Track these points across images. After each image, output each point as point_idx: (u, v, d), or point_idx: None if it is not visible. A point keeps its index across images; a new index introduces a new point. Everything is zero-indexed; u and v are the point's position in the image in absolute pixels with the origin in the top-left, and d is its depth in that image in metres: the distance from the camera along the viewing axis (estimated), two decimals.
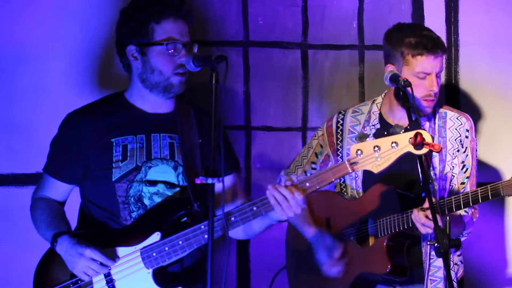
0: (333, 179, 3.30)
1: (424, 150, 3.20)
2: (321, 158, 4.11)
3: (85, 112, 3.58)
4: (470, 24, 4.67)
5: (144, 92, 3.54)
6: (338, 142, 4.06)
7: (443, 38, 4.63)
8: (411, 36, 3.83)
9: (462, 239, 3.90)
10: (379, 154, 3.21)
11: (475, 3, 4.66)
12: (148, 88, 3.52)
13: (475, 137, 3.95)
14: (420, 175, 3.67)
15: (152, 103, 3.55)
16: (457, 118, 3.94)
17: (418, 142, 3.18)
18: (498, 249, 4.65)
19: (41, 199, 3.62)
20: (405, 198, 3.82)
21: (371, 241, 3.89)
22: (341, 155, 4.05)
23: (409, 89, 3.58)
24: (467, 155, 3.91)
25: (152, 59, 3.48)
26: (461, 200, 3.66)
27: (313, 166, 4.12)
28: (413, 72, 3.81)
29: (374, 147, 3.22)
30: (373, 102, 4.06)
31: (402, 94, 3.59)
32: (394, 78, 3.67)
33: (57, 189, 3.61)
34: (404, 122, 3.85)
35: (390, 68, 3.84)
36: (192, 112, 3.62)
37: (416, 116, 3.54)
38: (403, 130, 3.80)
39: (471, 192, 3.65)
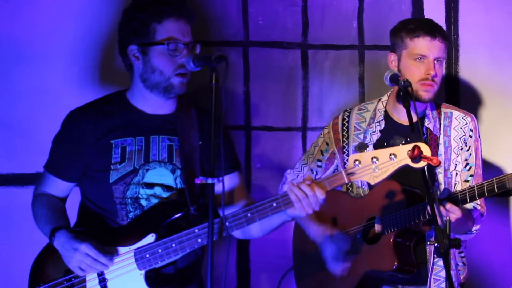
0: (329, 188, 3.28)
1: (422, 163, 3.16)
2: (326, 156, 4.12)
3: (86, 111, 3.57)
4: (470, 24, 4.66)
5: (145, 93, 3.53)
6: (344, 139, 4.07)
7: None
8: (412, 23, 3.92)
9: (471, 236, 3.91)
10: (376, 166, 3.19)
11: (475, 3, 4.66)
12: (149, 88, 3.51)
13: (479, 137, 3.96)
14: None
15: (153, 104, 3.54)
16: (462, 118, 3.96)
17: (416, 156, 3.14)
18: (502, 250, 4.65)
19: (42, 194, 3.62)
20: (411, 194, 3.82)
21: (378, 238, 3.88)
22: (347, 152, 4.05)
23: (409, 89, 3.60)
24: (470, 154, 3.92)
25: (153, 59, 3.47)
26: (467, 193, 3.66)
27: (319, 163, 4.13)
28: (411, 55, 3.86)
29: (372, 158, 3.19)
30: (379, 100, 4.09)
31: (402, 94, 3.60)
32: (394, 78, 3.68)
33: (57, 186, 3.61)
34: (406, 119, 3.84)
35: (392, 58, 3.93)
36: (194, 113, 3.61)
37: (416, 116, 3.54)
38: (403, 142, 3.82)
39: (476, 186, 3.66)
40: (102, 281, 3.41)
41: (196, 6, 4.56)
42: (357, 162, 3.21)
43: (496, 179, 3.63)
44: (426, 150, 3.16)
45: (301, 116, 4.69)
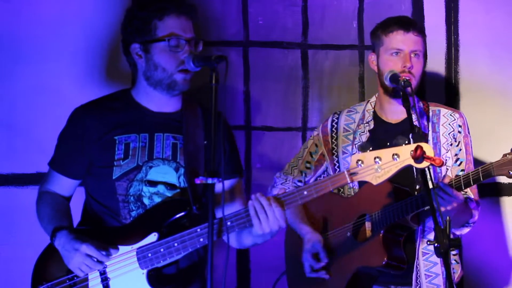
0: (331, 188, 3.26)
1: (425, 163, 3.15)
2: (315, 157, 4.14)
3: (91, 108, 3.57)
4: (470, 24, 4.67)
5: (149, 90, 3.53)
6: (333, 140, 4.11)
7: (443, 38, 4.66)
8: (387, 21, 4.03)
9: (467, 229, 3.93)
10: (379, 166, 3.17)
11: (475, 3, 4.66)
12: (152, 86, 3.51)
13: (469, 133, 4.00)
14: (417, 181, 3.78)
15: (157, 101, 3.54)
16: (450, 115, 4.00)
17: (418, 156, 3.12)
18: (498, 249, 4.64)
19: (47, 192, 3.62)
20: (400, 191, 3.82)
21: (368, 234, 3.89)
22: (336, 153, 4.08)
23: (408, 89, 3.63)
24: (460, 149, 3.95)
25: (155, 56, 3.47)
26: (453, 184, 3.68)
27: (308, 165, 4.15)
28: (387, 50, 3.95)
29: (375, 158, 3.17)
30: (368, 102, 4.15)
31: (402, 94, 3.61)
32: (394, 78, 3.75)
33: (62, 184, 3.61)
34: (394, 117, 3.99)
35: (372, 57, 4.03)
36: (200, 112, 3.61)
37: (416, 114, 3.56)
38: (406, 142, 3.83)
39: (462, 176, 3.67)
40: (104, 280, 3.41)
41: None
42: (359, 162, 3.20)
43: (481, 168, 3.65)
44: (428, 150, 3.15)
45: (301, 116, 4.69)
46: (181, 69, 3.46)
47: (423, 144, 3.15)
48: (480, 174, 3.64)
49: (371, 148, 3.94)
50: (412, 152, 3.14)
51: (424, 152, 3.14)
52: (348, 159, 4.00)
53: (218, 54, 3.29)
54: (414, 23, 3.99)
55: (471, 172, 3.67)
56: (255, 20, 4.69)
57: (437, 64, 4.66)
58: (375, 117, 4.05)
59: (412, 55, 3.91)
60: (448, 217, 3.38)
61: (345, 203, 4.00)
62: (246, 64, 4.68)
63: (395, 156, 3.16)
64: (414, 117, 3.95)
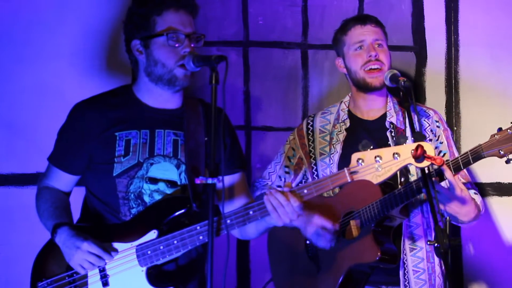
0: (332, 187, 3.27)
1: (426, 163, 3.15)
2: (294, 161, 4.15)
3: (92, 103, 3.57)
4: (470, 24, 4.66)
5: (150, 86, 3.53)
6: (310, 143, 4.12)
7: (443, 38, 4.65)
8: (343, 22, 4.10)
9: (474, 222, 3.93)
10: (379, 165, 3.17)
11: (475, 3, 4.66)
12: (154, 82, 3.51)
13: (448, 127, 4.05)
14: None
15: (158, 98, 3.54)
16: (425, 111, 4.04)
17: (419, 155, 3.12)
18: (498, 249, 4.64)
19: (46, 188, 3.62)
20: (384, 185, 3.80)
21: (356, 231, 3.88)
22: (313, 156, 4.09)
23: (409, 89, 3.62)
24: (441, 142, 3.98)
25: (154, 51, 3.47)
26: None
27: (286, 170, 4.16)
28: (350, 47, 4.01)
29: (376, 157, 3.17)
30: (341, 102, 4.18)
31: (402, 94, 3.61)
32: (394, 78, 3.73)
33: (61, 179, 3.61)
34: (370, 114, 4.03)
35: (339, 61, 4.09)
36: (201, 110, 3.61)
37: (416, 114, 3.56)
38: (407, 141, 3.83)
39: (452, 161, 3.66)
40: (104, 277, 3.41)
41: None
42: (360, 161, 3.19)
43: (470, 151, 3.64)
44: (429, 149, 3.15)
45: (301, 116, 4.69)
46: (181, 64, 3.45)
47: (424, 143, 3.15)
48: (470, 156, 3.63)
49: (371, 147, 3.93)
50: (412, 151, 3.14)
51: (424, 151, 3.13)
52: (327, 160, 4.02)
53: (218, 54, 3.29)
54: (369, 16, 4.05)
55: (460, 156, 3.65)
56: (255, 20, 4.69)
57: (437, 64, 4.66)
58: (351, 115, 4.09)
59: (376, 45, 3.97)
60: (448, 217, 3.38)
61: (329, 202, 3.99)
62: (246, 64, 4.69)
63: (396, 155, 3.16)
64: (388, 115, 3.98)
